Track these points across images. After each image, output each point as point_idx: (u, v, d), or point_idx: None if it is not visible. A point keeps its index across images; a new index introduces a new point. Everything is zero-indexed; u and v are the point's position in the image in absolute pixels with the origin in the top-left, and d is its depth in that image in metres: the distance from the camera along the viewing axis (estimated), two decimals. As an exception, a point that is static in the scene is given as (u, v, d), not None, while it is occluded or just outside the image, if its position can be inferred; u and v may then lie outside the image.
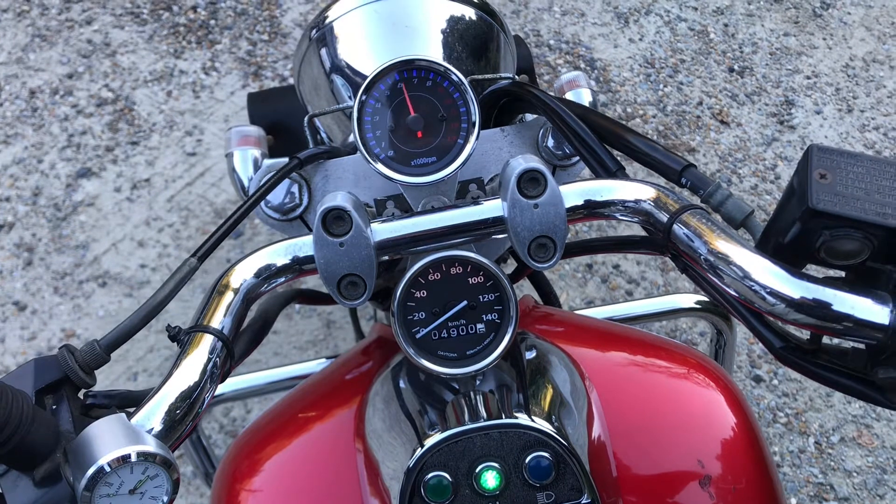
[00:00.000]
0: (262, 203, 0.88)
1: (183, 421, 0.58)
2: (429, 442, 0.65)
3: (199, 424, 1.24)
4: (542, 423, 0.65)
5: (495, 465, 0.65)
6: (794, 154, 2.46)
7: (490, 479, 0.65)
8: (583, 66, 2.65)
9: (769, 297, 0.57)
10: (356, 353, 0.96)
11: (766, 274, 0.57)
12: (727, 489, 0.76)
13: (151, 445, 0.53)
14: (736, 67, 2.65)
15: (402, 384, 0.79)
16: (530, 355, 0.79)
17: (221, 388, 1.18)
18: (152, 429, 0.56)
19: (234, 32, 2.69)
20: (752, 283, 0.58)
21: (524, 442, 0.65)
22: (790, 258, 0.57)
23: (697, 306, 1.24)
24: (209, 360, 0.61)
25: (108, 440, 0.52)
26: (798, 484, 1.94)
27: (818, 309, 0.55)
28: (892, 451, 2.01)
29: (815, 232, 0.54)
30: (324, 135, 1.07)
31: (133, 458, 0.51)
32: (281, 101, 1.43)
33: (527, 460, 0.65)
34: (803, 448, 2.01)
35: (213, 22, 2.71)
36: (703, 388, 0.83)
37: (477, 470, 0.65)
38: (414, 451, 0.65)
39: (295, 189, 0.88)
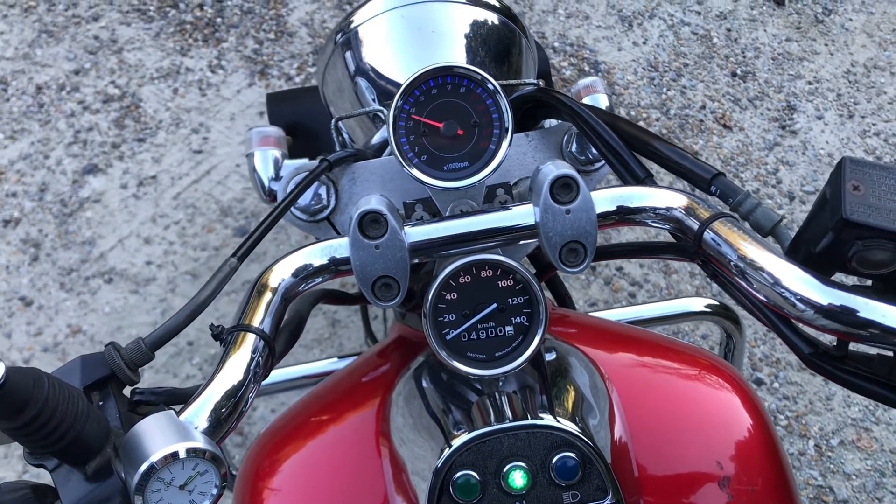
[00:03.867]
0: None
1: (229, 418, 0.59)
2: (457, 442, 0.66)
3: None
4: (567, 424, 0.67)
5: (522, 464, 0.66)
6: (795, 159, 2.48)
7: (518, 479, 0.66)
8: (587, 68, 2.66)
9: (798, 304, 0.59)
10: (375, 354, 0.97)
11: (796, 281, 0.59)
12: (745, 490, 0.78)
13: (201, 442, 0.54)
14: (738, 72, 2.67)
15: (425, 384, 0.80)
16: (551, 357, 0.81)
17: None
18: (199, 426, 0.57)
19: (240, 31, 2.69)
20: (782, 290, 0.59)
21: (551, 442, 0.66)
22: (819, 266, 0.59)
23: (708, 310, 1.26)
24: (252, 358, 0.62)
25: (158, 436, 0.53)
26: (798, 486, 1.96)
27: (846, 315, 0.57)
28: (891, 454, 2.04)
29: (848, 242, 0.56)
30: (346, 137, 1.08)
31: (183, 455, 0.53)
32: (300, 102, 1.45)
33: (553, 460, 0.66)
34: (803, 450, 2.03)
35: (219, 20, 2.72)
36: (719, 390, 0.85)
37: (505, 469, 0.66)
38: (442, 450, 0.66)
39: (322, 191, 0.89)
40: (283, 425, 0.88)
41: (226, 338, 0.64)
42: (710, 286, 2.28)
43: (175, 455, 0.53)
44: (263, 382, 1.27)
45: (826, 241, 0.57)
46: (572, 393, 0.75)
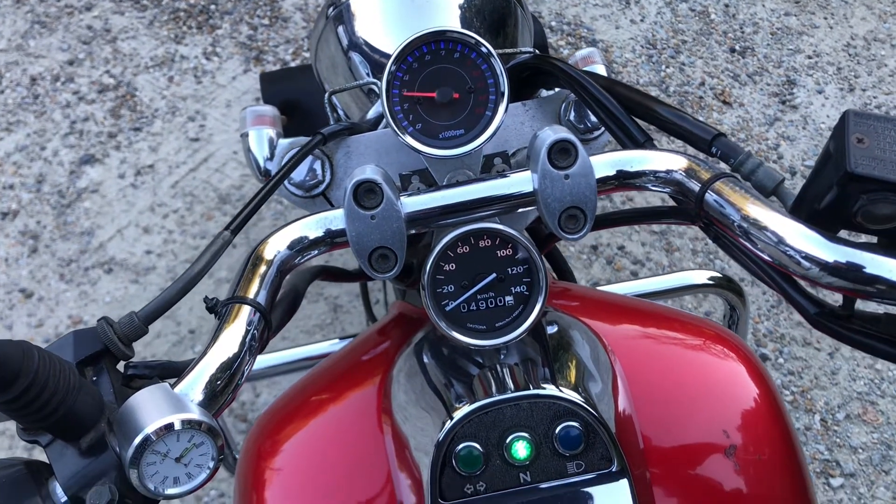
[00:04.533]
0: (285, 180, 0.88)
1: (224, 391, 0.58)
2: (458, 414, 0.65)
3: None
4: (570, 394, 0.66)
5: (525, 435, 0.65)
6: (796, 133, 2.47)
7: (521, 450, 0.65)
8: (584, 47, 2.64)
9: (803, 262, 0.57)
10: (375, 333, 0.96)
11: (801, 238, 0.58)
12: (752, 459, 0.77)
13: (196, 413, 0.53)
14: (737, 48, 2.65)
15: (426, 359, 0.79)
16: (552, 329, 0.80)
17: None
18: (194, 399, 0.56)
19: (234, 17, 2.67)
20: (786, 248, 0.58)
21: (554, 412, 0.66)
22: (824, 223, 0.58)
23: (711, 282, 1.25)
24: (248, 331, 0.61)
25: (152, 409, 0.52)
26: (806, 460, 1.95)
27: (852, 272, 0.55)
28: (897, 427, 2.03)
29: (853, 196, 0.55)
30: (342, 112, 1.07)
31: (178, 426, 0.52)
32: (294, 81, 1.43)
33: (556, 430, 0.66)
34: (809, 425, 2.02)
35: (213, 7, 2.70)
36: (724, 360, 0.84)
37: (507, 440, 0.65)
38: (444, 423, 0.66)
39: (317, 166, 0.88)
40: (283, 406, 0.87)
41: (220, 310, 0.63)
42: (713, 263, 2.27)
43: (170, 427, 0.52)
44: (265, 365, 1.26)
45: (830, 197, 0.56)
46: (575, 364, 0.74)
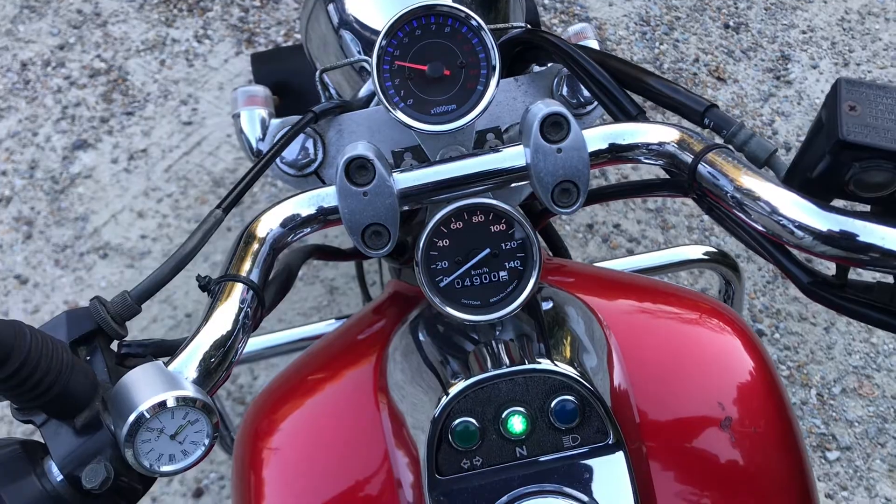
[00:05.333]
0: (277, 159, 0.87)
1: (218, 369, 0.58)
2: (454, 389, 0.65)
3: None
4: (566, 368, 0.66)
5: (521, 409, 0.66)
6: (790, 109, 2.46)
7: (517, 424, 0.66)
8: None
9: (797, 231, 0.57)
10: (370, 311, 0.96)
11: (794, 207, 0.58)
12: (748, 431, 0.77)
13: (190, 390, 0.53)
14: (731, 24, 2.63)
15: (421, 337, 0.79)
16: (547, 305, 0.80)
17: None
18: (188, 376, 0.56)
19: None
20: (779, 218, 0.58)
21: (549, 386, 0.66)
22: (817, 192, 0.58)
23: (706, 257, 1.25)
24: (241, 308, 0.61)
25: (146, 386, 0.52)
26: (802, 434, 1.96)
27: (845, 240, 0.55)
28: (893, 400, 2.04)
29: (845, 164, 0.55)
30: (333, 91, 1.06)
31: (173, 403, 0.52)
32: (285, 61, 1.42)
33: (552, 404, 0.66)
34: (805, 400, 2.03)
35: (203, -11, 2.67)
36: (720, 333, 0.84)
37: (503, 415, 0.65)
38: (439, 399, 0.66)
39: (309, 144, 0.87)
40: (279, 385, 0.87)
41: (213, 288, 0.62)
42: (708, 240, 2.27)
43: (164, 404, 0.51)
44: (262, 347, 1.26)
45: (823, 166, 0.56)
46: (570, 339, 0.74)
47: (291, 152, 0.87)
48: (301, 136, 0.87)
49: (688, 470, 0.75)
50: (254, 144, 1.07)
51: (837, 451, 1.95)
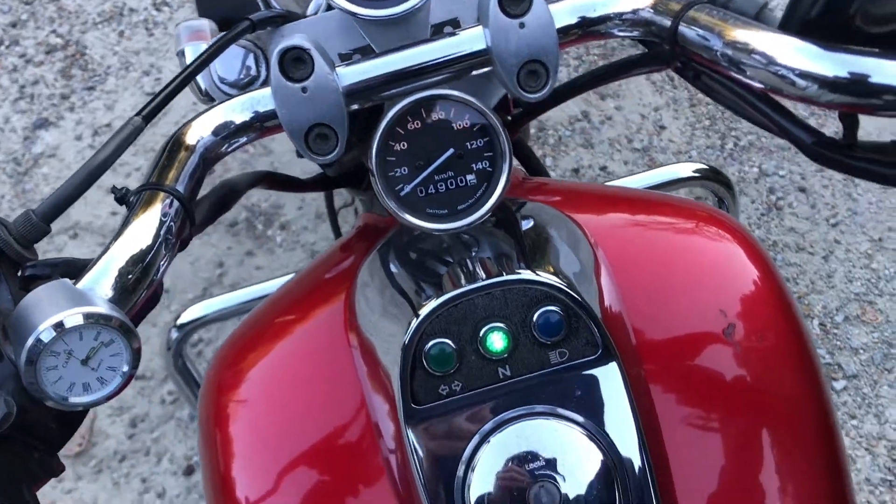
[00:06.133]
0: (218, 80, 0.79)
1: (136, 288, 0.50)
2: (424, 310, 0.58)
3: (183, 349, 1.16)
4: (548, 277, 0.59)
5: (501, 325, 0.58)
6: None
7: (497, 341, 0.58)
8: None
9: (799, 80, 0.49)
10: (338, 248, 0.88)
11: (794, 53, 0.50)
12: (753, 339, 0.70)
13: (102, 307, 0.46)
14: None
15: (392, 266, 0.72)
16: (528, 224, 0.72)
17: (193, 314, 1.10)
18: (102, 295, 0.48)
19: (182, -36, 2.55)
20: (778, 68, 0.50)
21: (530, 298, 0.58)
22: (818, 35, 0.50)
23: (697, 174, 1.18)
24: (163, 222, 0.54)
25: (49, 305, 0.45)
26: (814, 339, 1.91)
27: (855, 84, 0.47)
28: (898, 325, 1.98)
29: None
30: (279, 8, 0.97)
31: (79, 321, 0.44)
32: (231, -5, 1.33)
33: (535, 317, 0.58)
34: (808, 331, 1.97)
35: (158, -45, 2.57)
36: (717, 241, 0.76)
37: (481, 333, 0.58)
38: (409, 323, 0.58)
39: (251, 62, 0.79)
40: (243, 333, 0.79)
41: (132, 199, 0.55)
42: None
43: (64, 324, 0.44)
44: (225, 305, 1.18)
45: (823, 1, 0.48)
46: (553, 252, 0.67)
47: (231, 71, 0.79)
48: (241, 53, 0.79)
49: (692, 391, 0.67)
50: (202, 85, 0.99)
51: (844, 379, 1.89)
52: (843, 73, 0.48)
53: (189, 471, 1.82)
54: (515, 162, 1.07)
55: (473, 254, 0.65)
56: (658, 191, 1.15)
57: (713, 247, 0.76)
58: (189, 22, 1.00)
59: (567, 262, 0.66)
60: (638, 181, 1.15)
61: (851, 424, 1.84)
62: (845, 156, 0.52)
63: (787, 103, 0.56)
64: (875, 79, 0.47)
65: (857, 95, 0.48)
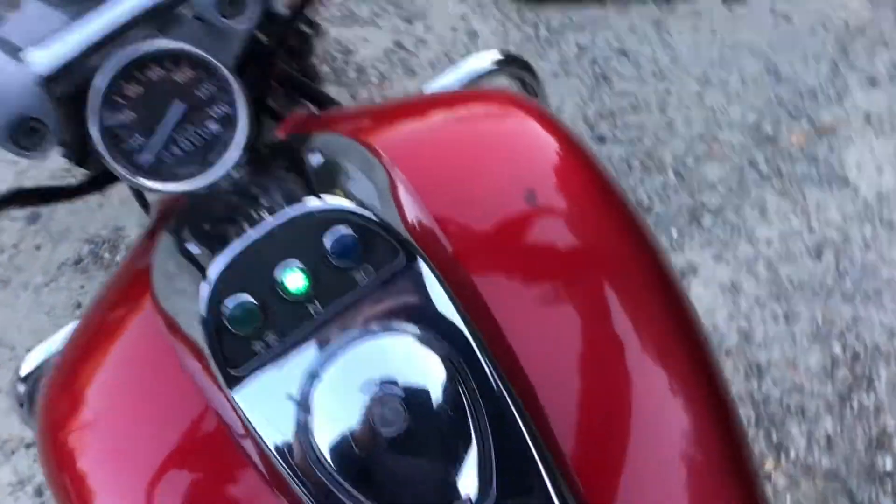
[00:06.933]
0: None
1: None
2: (212, 272, 0.55)
3: (36, 398, 1.09)
4: (332, 201, 0.57)
5: (294, 262, 0.56)
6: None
7: (296, 281, 0.56)
8: None
9: None
10: (146, 237, 0.83)
11: None
12: (556, 200, 0.70)
13: None
14: None
15: (184, 240, 0.68)
16: (316, 157, 0.69)
17: (33, 361, 1.02)
18: None
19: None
20: None
21: (316, 227, 0.56)
22: None
23: (497, 66, 1.16)
24: None
25: None
26: (672, 214, 1.97)
27: None
28: (742, 150, 2.06)
29: None
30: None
31: None
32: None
33: (328, 244, 0.56)
34: (665, 182, 2.03)
35: None
36: (508, 119, 0.76)
37: (277, 277, 0.56)
38: (200, 290, 0.55)
39: None
40: (65, 358, 0.73)
41: None
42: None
43: None
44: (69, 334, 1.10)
45: None
46: (342, 179, 0.65)
47: None
48: None
49: (515, 269, 0.67)
50: None
51: (709, 214, 1.97)
52: None
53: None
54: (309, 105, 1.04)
55: (260, 202, 0.62)
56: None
57: (504, 127, 0.75)
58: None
59: (358, 185, 0.64)
60: (438, 86, 1.13)
61: (730, 256, 1.91)
62: None
63: None
64: None
65: None
